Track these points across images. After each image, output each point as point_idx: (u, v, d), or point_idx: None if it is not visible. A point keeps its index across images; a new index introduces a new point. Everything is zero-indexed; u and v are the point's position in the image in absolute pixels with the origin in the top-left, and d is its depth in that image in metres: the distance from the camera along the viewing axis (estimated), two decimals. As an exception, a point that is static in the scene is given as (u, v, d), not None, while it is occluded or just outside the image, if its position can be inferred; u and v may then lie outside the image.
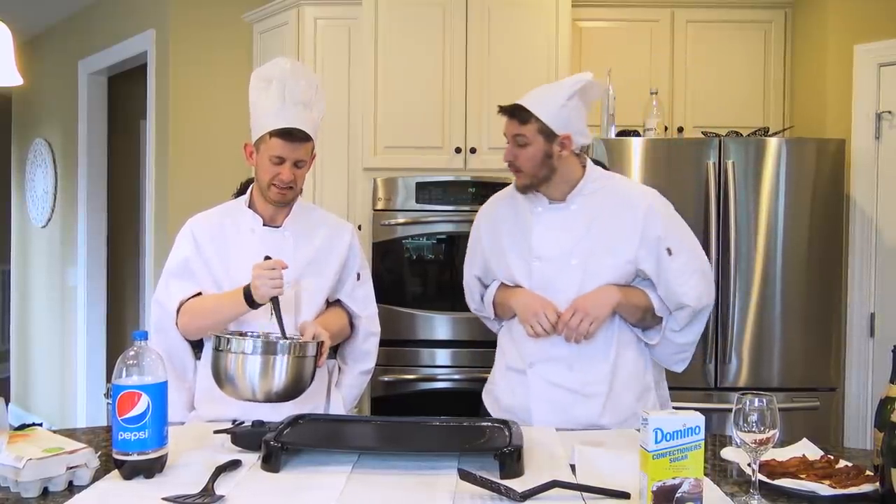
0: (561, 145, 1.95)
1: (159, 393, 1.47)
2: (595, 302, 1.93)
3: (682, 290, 1.96)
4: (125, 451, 1.45)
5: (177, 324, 1.99)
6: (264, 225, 2.02)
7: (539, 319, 1.93)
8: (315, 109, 1.97)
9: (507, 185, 2.13)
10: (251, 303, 1.84)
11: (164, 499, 1.34)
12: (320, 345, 1.81)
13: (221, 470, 1.47)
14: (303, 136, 1.92)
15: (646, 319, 2.02)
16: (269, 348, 1.72)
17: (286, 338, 1.81)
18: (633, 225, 1.96)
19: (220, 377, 1.74)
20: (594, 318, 1.91)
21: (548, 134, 1.93)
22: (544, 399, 1.99)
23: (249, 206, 2.04)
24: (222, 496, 1.36)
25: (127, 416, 1.44)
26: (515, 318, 2.05)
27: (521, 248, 2.03)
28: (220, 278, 1.99)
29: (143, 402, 1.45)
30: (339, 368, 2.13)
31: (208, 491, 1.37)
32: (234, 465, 1.52)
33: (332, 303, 2.10)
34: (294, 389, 1.75)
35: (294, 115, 1.91)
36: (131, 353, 1.48)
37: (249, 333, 1.85)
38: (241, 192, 2.85)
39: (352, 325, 2.11)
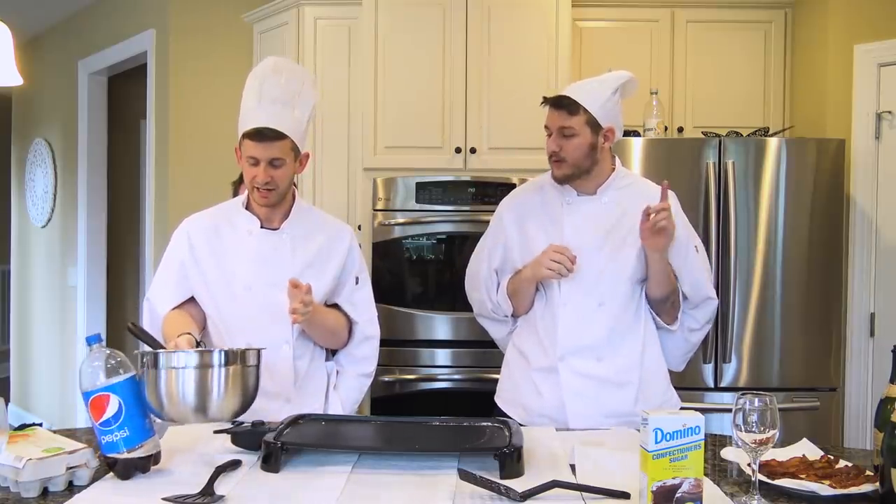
0: (604, 137, 2.00)
1: (128, 388, 1.46)
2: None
3: (707, 285, 2.06)
4: (113, 452, 1.45)
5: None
6: (262, 227, 1.99)
7: (551, 257, 1.93)
8: (298, 107, 1.92)
9: (508, 184, 2.14)
10: None
11: (164, 499, 1.34)
12: (259, 353, 1.60)
13: (221, 470, 1.47)
14: (273, 134, 1.86)
15: (667, 302, 2.04)
16: (203, 361, 1.50)
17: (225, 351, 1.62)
18: None
19: (150, 399, 1.50)
20: (672, 227, 1.92)
21: (594, 126, 1.98)
22: (577, 393, 1.99)
23: (247, 208, 2.01)
24: (222, 496, 1.36)
25: (103, 419, 1.44)
26: (539, 314, 2.06)
27: (551, 238, 2.03)
28: (213, 282, 1.97)
29: (115, 403, 1.44)
30: (338, 371, 2.11)
31: (208, 491, 1.37)
32: (235, 465, 1.52)
33: (330, 306, 2.07)
34: (236, 406, 1.54)
35: (267, 114, 1.87)
36: (90, 357, 1.47)
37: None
38: (235, 190, 2.86)
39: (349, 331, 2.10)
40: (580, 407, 1.98)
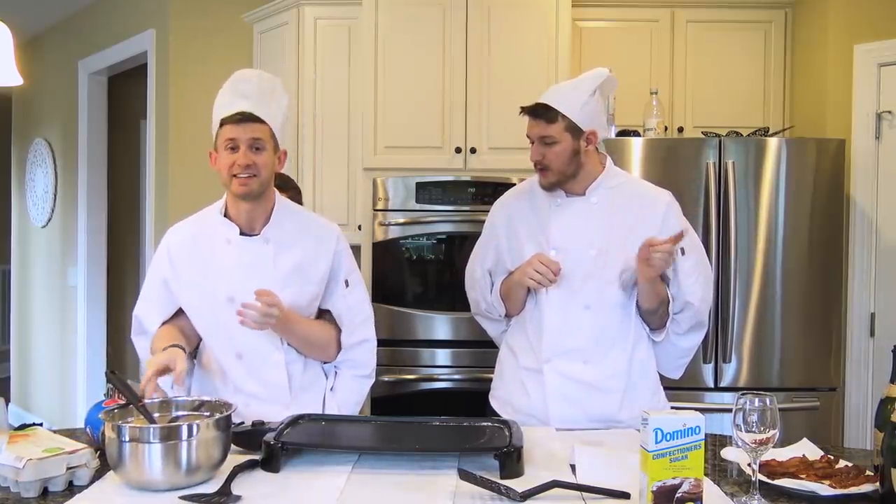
0: (587, 140, 1.98)
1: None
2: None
3: (691, 289, 2.00)
4: None
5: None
6: (241, 234, 1.91)
7: (535, 266, 1.92)
8: (273, 104, 1.90)
9: (508, 184, 2.14)
10: None
11: (182, 497, 1.35)
12: (229, 417, 1.53)
13: (239, 469, 1.48)
14: (253, 117, 1.84)
15: (657, 312, 2.02)
16: (168, 434, 1.43)
17: (193, 407, 1.63)
18: (653, 221, 1.98)
19: (114, 464, 1.45)
20: (662, 268, 1.90)
21: (575, 131, 1.96)
22: (561, 395, 1.98)
23: (225, 215, 1.92)
24: (239, 497, 1.36)
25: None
26: (528, 315, 2.05)
27: (538, 240, 2.04)
28: (196, 295, 1.91)
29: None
30: (335, 373, 2.04)
31: (225, 491, 1.38)
32: (253, 465, 1.52)
33: (322, 311, 2.00)
34: (205, 476, 1.47)
35: (245, 104, 1.86)
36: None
37: (153, 399, 1.60)
38: None
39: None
40: (563, 409, 1.97)
